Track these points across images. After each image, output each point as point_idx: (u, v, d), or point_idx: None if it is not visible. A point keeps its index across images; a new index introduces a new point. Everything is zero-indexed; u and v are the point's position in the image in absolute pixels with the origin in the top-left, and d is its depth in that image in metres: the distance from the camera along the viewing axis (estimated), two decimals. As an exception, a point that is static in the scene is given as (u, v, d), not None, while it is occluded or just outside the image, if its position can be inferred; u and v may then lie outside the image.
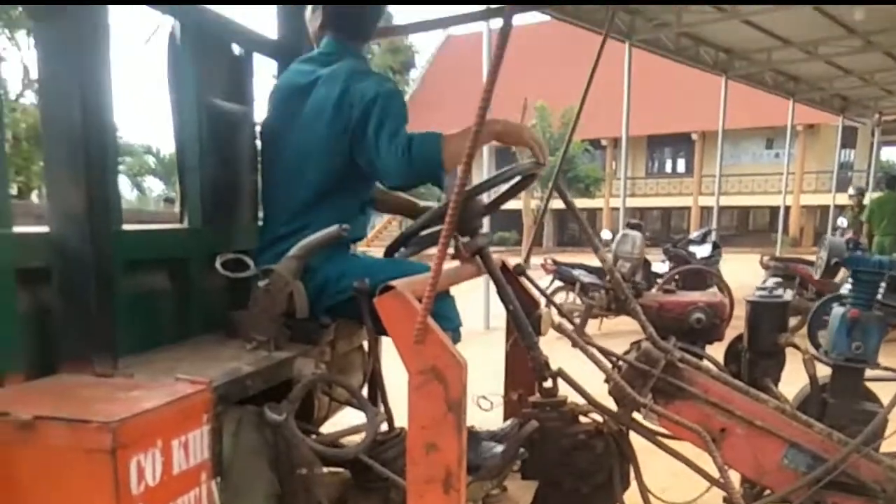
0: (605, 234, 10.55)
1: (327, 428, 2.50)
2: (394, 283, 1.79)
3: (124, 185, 44.31)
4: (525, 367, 2.51)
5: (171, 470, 1.66)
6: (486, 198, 2.62)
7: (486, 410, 2.71)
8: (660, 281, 8.27)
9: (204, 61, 2.61)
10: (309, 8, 2.74)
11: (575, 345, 2.25)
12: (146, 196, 45.84)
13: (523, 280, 2.82)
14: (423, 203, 2.93)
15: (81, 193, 1.82)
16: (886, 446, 2.34)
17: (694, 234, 13.93)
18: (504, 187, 2.57)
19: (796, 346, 2.36)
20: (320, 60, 2.58)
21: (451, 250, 2.61)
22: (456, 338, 2.50)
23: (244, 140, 2.77)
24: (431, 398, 1.72)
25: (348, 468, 2.39)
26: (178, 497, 1.69)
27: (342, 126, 2.42)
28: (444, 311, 2.37)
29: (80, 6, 1.78)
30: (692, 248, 12.60)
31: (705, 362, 2.31)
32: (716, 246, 12.84)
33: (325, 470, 2.45)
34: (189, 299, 2.46)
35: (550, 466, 2.38)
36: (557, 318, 2.59)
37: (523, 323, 2.40)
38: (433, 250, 2.75)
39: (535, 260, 16.67)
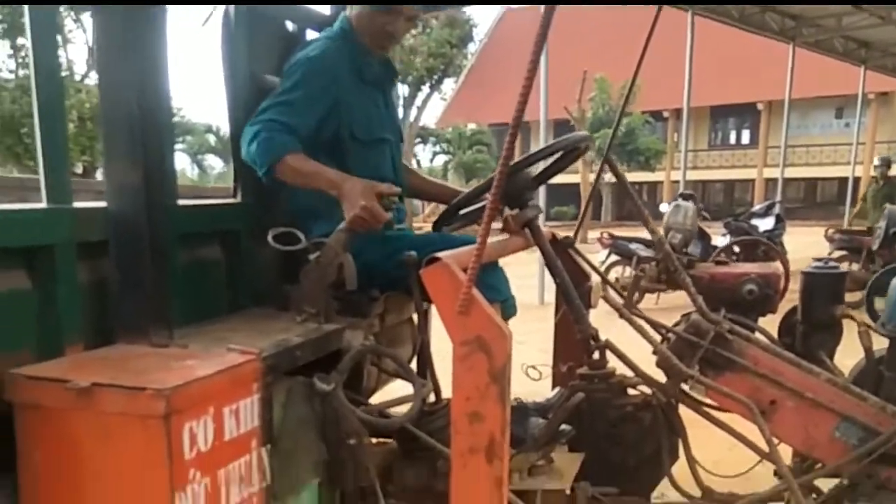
0: (664, 208, 10.41)
1: (376, 399, 2.54)
2: (440, 254, 1.81)
3: (185, 163, 45.41)
4: (573, 339, 2.51)
5: (223, 436, 1.72)
6: (534, 171, 2.61)
7: (534, 380, 2.72)
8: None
9: (257, 38, 2.65)
10: None
11: (622, 316, 2.23)
12: (207, 174, 46.82)
13: (573, 253, 2.82)
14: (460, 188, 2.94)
15: (138, 169, 1.88)
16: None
17: (757, 207, 13.61)
18: (551, 161, 2.55)
19: (853, 318, 2.30)
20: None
21: (499, 224, 2.63)
22: (508, 309, 2.51)
23: None
24: (475, 368, 1.73)
25: (395, 438, 2.43)
26: (230, 462, 1.75)
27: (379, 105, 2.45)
28: (492, 283, 2.39)
29: None
30: (755, 222, 12.31)
31: (757, 335, 2.28)
32: (779, 219, 12.52)
33: (374, 440, 2.50)
34: (241, 272, 2.52)
35: (597, 439, 2.38)
36: (606, 292, 2.58)
37: (571, 294, 2.39)
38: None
39: (593, 234, 16.52)
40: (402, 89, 29.73)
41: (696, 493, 2.30)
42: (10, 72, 21.46)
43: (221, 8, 2.60)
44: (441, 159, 35.72)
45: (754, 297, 2.35)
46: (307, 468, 2.07)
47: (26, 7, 1.81)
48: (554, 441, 2.33)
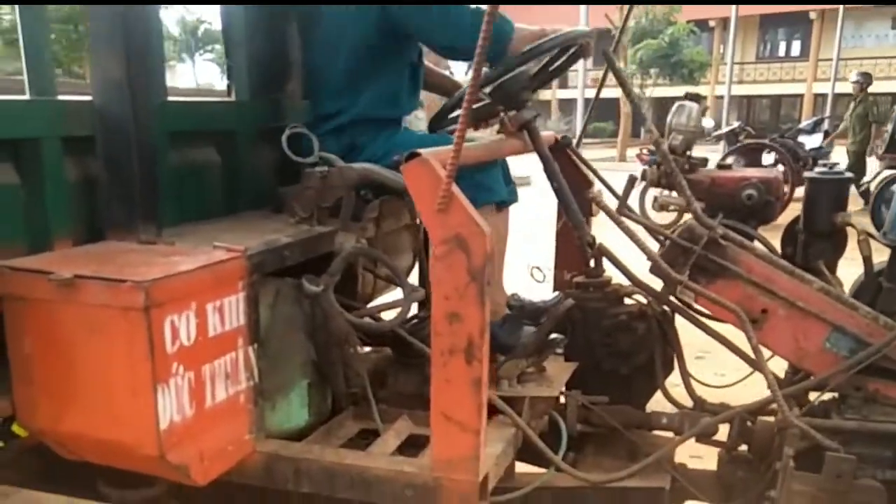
0: (707, 123, 10.15)
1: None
2: (421, 150, 1.77)
3: (215, 72, 45.02)
4: (574, 246, 2.49)
5: (207, 332, 1.74)
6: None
7: (538, 282, 2.71)
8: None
9: None
10: None
11: (612, 220, 2.20)
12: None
13: (574, 158, 2.76)
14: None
15: (121, 63, 1.86)
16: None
17: (804, 124, 13.22)
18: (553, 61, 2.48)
19: (853, 226, 2.23)
20: None
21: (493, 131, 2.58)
22: (505, 200, 2.49)
23: (291, 15, 2.73)
24: (454, 268, 1.72)
25: (389, 344, 2.45)
26: (214, 359, 1.78)
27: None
28: (487, 182, 2.36)
29: None
30: (801, 139, 11.98)
31: (756, 243, 2.23)
32: (827, 135, 12.17)
33: (368, 349, 2.54)
34: (237, 173, 2.50)
35: (591, 347, 2.38)
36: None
37: (568, 199, 2.36)
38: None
39: (633, 152, 16.22)
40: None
41: (689, 403, 2.31)
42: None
43: None
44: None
45: (753, 203, 2.28)
46: (296, 369, 2.10)
47: None
48: (546, 350, 2.34)
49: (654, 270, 2.12)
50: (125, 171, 1.91)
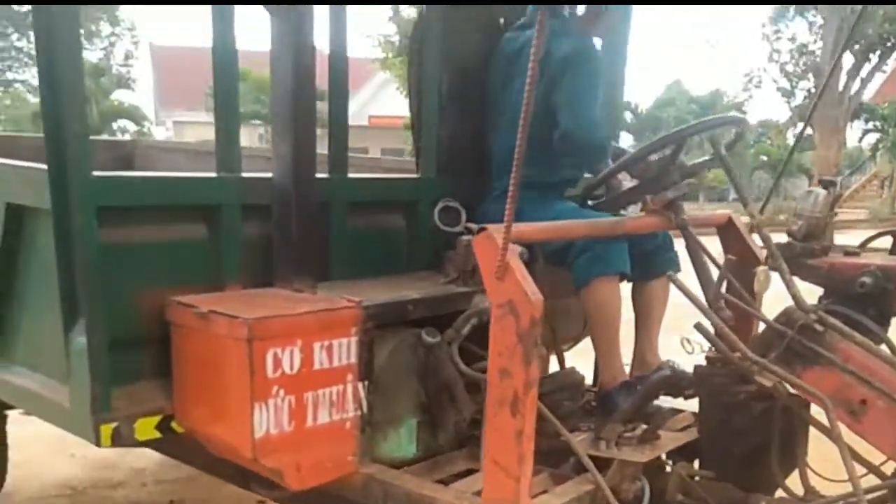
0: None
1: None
2: (491, 226, 2.01)
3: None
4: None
5: (312, 365, 2.14)
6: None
7: (688, 353, 2.74)
8: None
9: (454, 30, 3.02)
10: None
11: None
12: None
13: (745, 234, 2.75)
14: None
15: (290, 144, 2.37)
16: None
17: None
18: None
19: None
20: (525, 26, 2.82)
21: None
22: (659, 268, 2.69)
23: (479, 98, 3.11)
24: (506, 330, 1.93)
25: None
26: (319, 388, 2.16)
27: (541, 84, 2.63)
28: (605, 255, 2.48)
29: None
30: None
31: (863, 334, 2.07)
32: None
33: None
34: (417, 238, 2.91)
35: (712, 424, 2.37)
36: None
37: (703, 279, 2.40)
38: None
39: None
40: (846, 58, 25.43)
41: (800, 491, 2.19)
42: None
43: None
44: (871, 137, 31.28)
45: (866, 290, 2.10)
46: (406, 406, 2.40)
47: None
48: (655, 418, 2.38)
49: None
50: (287, 233, 2.40)
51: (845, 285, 2.13)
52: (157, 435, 2.28)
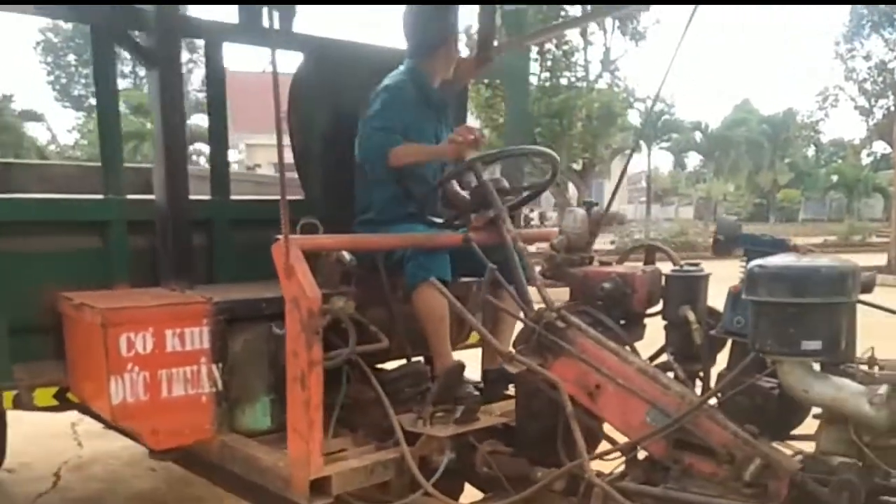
0: None
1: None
2: (294, 236, 2.48)
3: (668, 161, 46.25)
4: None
5: (164, 347, 2.64)
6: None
7: None
8: None
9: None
10: None
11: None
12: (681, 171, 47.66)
13: None
14: None
15: (162, 173, 2.92)
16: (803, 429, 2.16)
17: None
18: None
19: (689, 321, 2.30)
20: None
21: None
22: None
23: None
24: (293, 319, 2.41)
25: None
26: (173, 367, 2.66)
27: None
28: (427, 264, 2.89)
29: None
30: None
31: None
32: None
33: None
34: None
35: (518, 409, 2.75)
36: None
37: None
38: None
39: None
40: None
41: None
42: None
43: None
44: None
45: (606, 294, 2.44)
46: (260, 386, 2.86)
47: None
48: (464, 402, 2.79)
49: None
50: (166, 244, 2.95)
51: (592, 290, 2.51)
52: (55, 403, 2.84)
